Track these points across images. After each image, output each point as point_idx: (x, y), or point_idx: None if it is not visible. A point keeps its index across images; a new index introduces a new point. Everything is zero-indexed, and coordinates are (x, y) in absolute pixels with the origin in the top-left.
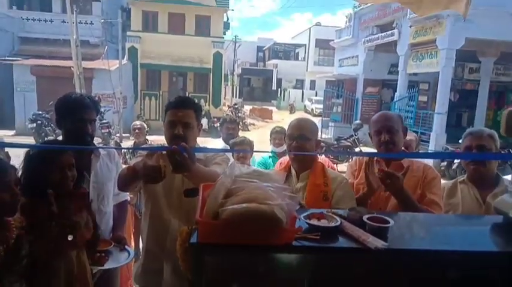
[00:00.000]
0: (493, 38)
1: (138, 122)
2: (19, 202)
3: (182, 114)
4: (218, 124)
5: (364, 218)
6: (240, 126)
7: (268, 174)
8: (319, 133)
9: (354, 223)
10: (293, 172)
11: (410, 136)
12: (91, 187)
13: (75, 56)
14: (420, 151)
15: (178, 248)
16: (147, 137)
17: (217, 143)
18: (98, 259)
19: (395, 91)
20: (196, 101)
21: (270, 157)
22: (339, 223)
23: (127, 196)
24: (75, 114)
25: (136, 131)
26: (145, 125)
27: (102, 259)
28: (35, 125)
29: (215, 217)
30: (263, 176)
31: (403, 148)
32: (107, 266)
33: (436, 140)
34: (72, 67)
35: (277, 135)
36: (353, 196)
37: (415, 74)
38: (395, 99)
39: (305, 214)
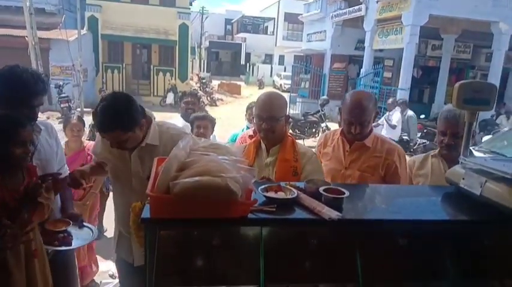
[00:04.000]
0: (455, 16)
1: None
2: None
3: (112, 137)
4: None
5: (321, 189)
6: (208, 101)
7: (225, 147)
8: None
9: (311, 194)
10: (263, 146)
11: None
12: (34, 164)
13: (29, 25)
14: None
15: (132, 224)
16: None
17: (176, 121)
18: (64, 239)
19: (362, 67)
20: (119, 117)
21: (243, 131)
22: (295, 195)
23: (67, 173)
24: (23, 102)
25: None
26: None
27: (67, 238)
28: None
29: (167, 191)
30: (220, 149)
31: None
32: (75, 245)
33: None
34: (26, 37)
35: (252, 111)
36: (322, 171)
37: (380, 50)
38: (361, 75)
39: (262, 187)
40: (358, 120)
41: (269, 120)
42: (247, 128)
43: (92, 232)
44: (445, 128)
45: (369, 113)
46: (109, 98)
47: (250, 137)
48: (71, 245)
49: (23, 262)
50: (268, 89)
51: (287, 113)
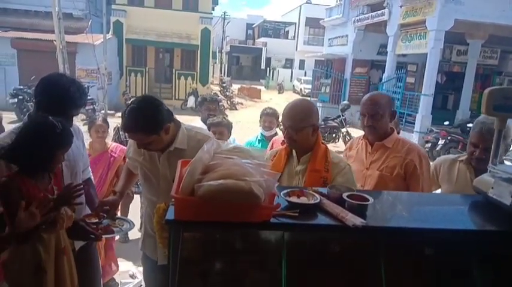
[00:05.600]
0: (482, 20)
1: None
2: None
3: (137, 139)
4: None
5: (344, 195)
6: (228, 105)
7: (248, 151)
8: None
9: (334, 200)
10: (294, 153)
11: None
12: (64, 165)
13: (58, 29)
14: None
15: (155, 225)
16: None
17: (197, 124)
18: (105, 229)
19: (384, 72)
20: (143, 120)
21: (258, 140)
22: (318, 201)
23: (90, 173)
24: (64, 112)
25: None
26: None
27: (108, 228)
28: (16, 100)
29: (192, 194)
30: (243, 152)
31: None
32: (117, 233)
33: (422, 121)
34: (55, 41)
35: (267, 117)
36: (354, 183)
37: (403, 55)
38: (383, 81)
39: (285, 191)
40: (369, 112)
41: (290, 129)
42: (262, 135)
43: (129, 223)
44: (477, 140)
45: (380, 107)
46: (137, 101)
47: (283, 142)
48: (113, 233)
49: (53, 259)
50: (288, 93)
51: (313, 123)
